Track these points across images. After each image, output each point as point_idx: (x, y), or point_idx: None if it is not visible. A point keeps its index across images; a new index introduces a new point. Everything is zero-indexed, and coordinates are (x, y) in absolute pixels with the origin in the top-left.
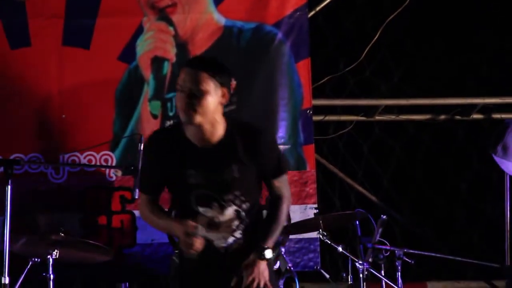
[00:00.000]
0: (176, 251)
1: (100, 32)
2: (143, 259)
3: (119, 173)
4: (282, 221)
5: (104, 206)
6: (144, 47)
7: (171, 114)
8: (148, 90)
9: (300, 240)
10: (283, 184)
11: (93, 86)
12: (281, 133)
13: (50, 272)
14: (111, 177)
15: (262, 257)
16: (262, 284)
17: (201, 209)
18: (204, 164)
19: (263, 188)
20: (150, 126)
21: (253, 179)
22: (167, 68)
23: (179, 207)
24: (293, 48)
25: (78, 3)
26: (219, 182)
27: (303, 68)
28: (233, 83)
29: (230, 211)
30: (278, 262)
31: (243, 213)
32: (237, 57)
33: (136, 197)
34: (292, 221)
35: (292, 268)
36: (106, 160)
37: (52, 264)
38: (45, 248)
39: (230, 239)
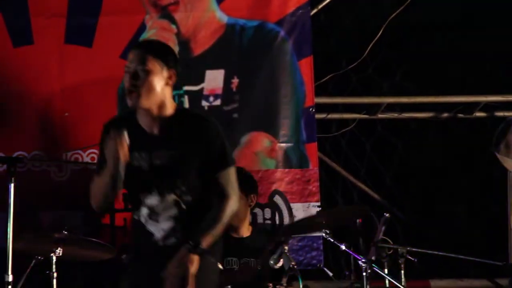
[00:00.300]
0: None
1: (103, 30)
2: None
3: None
4: (223, 222)
5: None
6: None
7: None
8: None
9: (303, 238)
10: (227, 181)
11: (96, 84)
12: (284, 131)
13: (53, 270)
14: None
15: (192, 251)
16: (186, 272)
17: (142, 196)
18: (148, 147)
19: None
20: None
21: (196, 171)
22: None
23: (128, 196)
24: (296, 46)
25: (80, 2)
26: (160, 167)
27: (306, 66)
28: (235, 81)
29: (169, 200)
30: (282, 260)
31: (183, 205)
32: (240, 55)
33: None
34: (295, 219)
35: (295, 266)
36: None
37: (55, 262)
38: (48, 246)
39: (169, 231)
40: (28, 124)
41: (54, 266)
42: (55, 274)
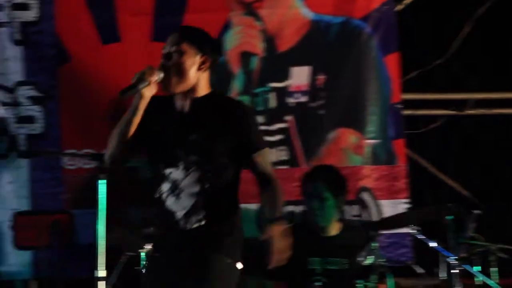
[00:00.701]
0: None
1: None
2: None
3: None
4: (282, 195)
5: None
6: (232, 43)
7: (260, 108)
8: (236, 85)
9: (392, 235)
10: (266, 160)
11: None
12: (371, 127)
13: (143, 266)
14: None
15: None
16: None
17: (167, 170)
18: (178, 123)
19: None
20: None
21: (224, 151)
22: (255, 63)
23: (152, 170)
24: (381, 42)
25: (167, 0)
26: (189, 143)
27: (392, 62)
28: (321, 77)
29: (193, 176)
30: (371, 257)
31: (206, 183)
32: (325, 51)
33: None
34: (384, 216)
35: (385, 263)
36: None
37: (144, 258)
38: (137, 242)
39: (191, 211)
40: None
41: (143, 262)
42: (143, 270)
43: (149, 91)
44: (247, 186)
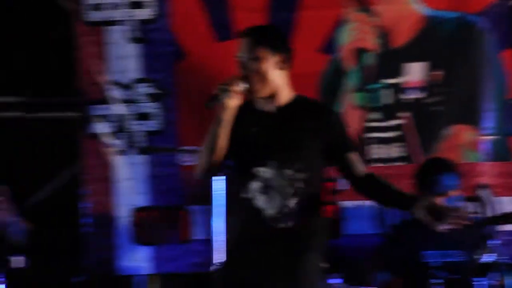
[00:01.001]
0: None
1: (301, 25)
2: (350, 250)
3: None
4: None
5: None
6: (346, 39)
7: (375, 105)
8: (351, 81)
9: (510, 232)
10: (359, 160)
11: (295, 78)
12: (487, 123)
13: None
14: None
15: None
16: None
17: (256, 169)
18: (267, 123)
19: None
20: (353, 117)
21: (315, 150)
22: (369, 59)
23: (238, 169)
24: (497, 38)
25: None
26: (279, 141)
27: (508, 58)
28: (437, 73)
29: (285, 175)
30: (491, 255)
31: (298, 183)
32: (441, 47)
33: (341, 188)
34: (502, 212)
35: (507, 261)
36: None
37: None
38: None
39: (282, 211)
40: None
41: None
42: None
43: (233, 102)
44: None
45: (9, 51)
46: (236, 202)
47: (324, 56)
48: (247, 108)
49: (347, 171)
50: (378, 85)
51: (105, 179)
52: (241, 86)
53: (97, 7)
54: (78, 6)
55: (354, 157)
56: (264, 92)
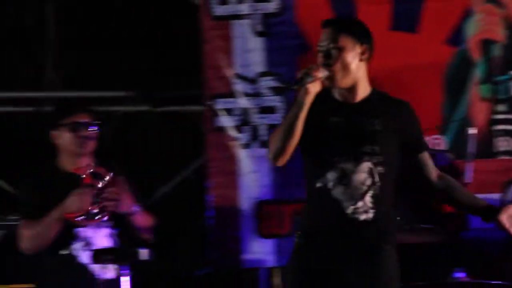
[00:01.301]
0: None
1: (428, 16)
2: (476, 244)
3: (452, 156)
4: None
5: None
6: (473, 30)
7: (502, 97)
8: (477, 73)
9: None
10: (430, 160)
11: (420, 70)
12: None
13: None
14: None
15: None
16: None
17: (335, 159)
18: (346, 113)
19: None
20: (480, 109)
21: (394, 145)
22: (497, 51)
23: (315, 158)
24: None
25: None
26: (360, 133)
27: None
28: None
29: (364, 167)
30: None
31: (376, 176)
32: None
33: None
34: None
35: None
36: (437, 144)
37: None
38: None
39: (360, 203)
40: None
41: None
42: None
43: (314, 87)
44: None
45: (137, 46)
46: (312, 191)
47: (451, 47)
48: (326, 97)
49: (420, 171)
50: (505, 77)
51: (229, 172)
52: (323, 73)
53: (223, 1)
54: (206, 1)
55: (427, 157)
56: (345, 82)
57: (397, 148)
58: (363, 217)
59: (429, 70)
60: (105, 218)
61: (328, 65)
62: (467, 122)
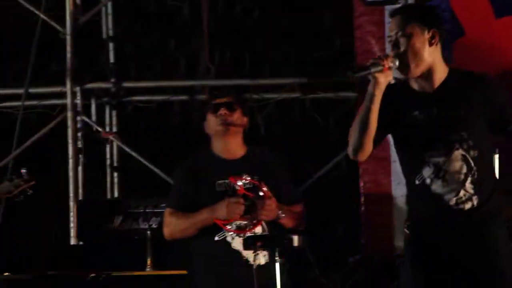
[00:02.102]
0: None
1: None
2: None
3: None
4: None
5: None
6: None
7: None
8: None
9: None
10: None
11: None
12: None
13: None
14: None
15: None
16: None
17: (426, 154)
18: (426, 105)
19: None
20: None
21: (482, 124)
22: None
23: (407, 155)
24: None
25: None
26: (445, 122)
27: None
28: None
29: (456, 155)
30: None
31: (471, 161)
32: None
33: None
34: None
35: None
36: None
37: None
38: None
39: (461, 192)
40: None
41: None
42: None
43: (384, 78)
44: None
45: (286, 34)
46: (412, 188)
47: None
48: (404, 90)
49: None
50: None
51: (382, 158)
52: (393, 63)
53: None
54: None
55: None
56: (420, 70)
57: (486, 127)
58: (468, 206)
59: None
60: (255, 229)
61: (398, 54)
62: None
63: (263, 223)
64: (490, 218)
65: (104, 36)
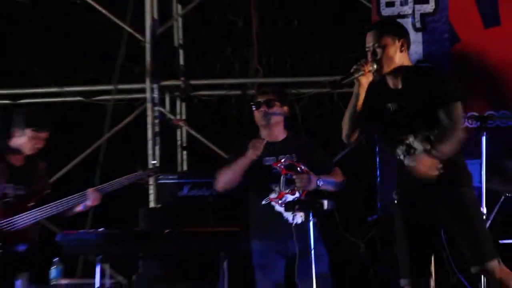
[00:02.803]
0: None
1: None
2: None
3: None
4: (453, 137)
5: None
6: None
7: None
8: None
9: None
10: (450, 114)
11: None
12: None
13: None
14: None
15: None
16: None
17: (399, 137)
18: (398, 97)
19: None
20: None
21: (433, 107)
22: None
23: (385, 137)
24: None
25: None
26: (410, 109)
27: None
28: None
29: (421, 135)
30: None
31: (432, 138)
32: None
33: None
34: None
35: None
36: None
37: None
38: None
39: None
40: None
41: None
42: None
43: (365, 79)
44: None
45: (317, 40)
46: (396, 164)
47: None
48: (381, 87)
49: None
50: None
51: None
52: (372, 67)
53: (390, 3)
54: (376, 3)
55: (441, 112)
56: (389, 69)
57: (435, 107)
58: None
59: None
60: (294, 196)
61: (376, 60)
62: None
63: (301, 191)
64: (453, 178)
65: (176, 44)
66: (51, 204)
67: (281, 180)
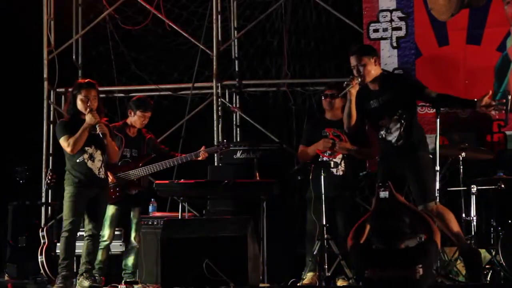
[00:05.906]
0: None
1: (486, 36)
2: None
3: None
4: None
5: None
6: (509, 44)
7: None
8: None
9: None
10: (431, 92)
11: (483, 70)
12: None
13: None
14: None
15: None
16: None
17: (381, 121)
18: (377, 96)
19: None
20: None
21: (406, 101)
22: None
23: (371, 125)
24: None
25: (477, 20)
26: (387, 104)
27: None
28: None
29: (395, 120)
30: None
31: (403, 121)
32: None
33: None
34: None
35: None
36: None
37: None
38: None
39: (398, 137)
40: (444, 88)
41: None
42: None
43: (354, 90)
44: None
45: (324, 55)
46: (379, 140)
47: (499, 53)
48: (366, 91)
49: (429, 101)
50: None
51: None
52: (357, 81)
53: (376, 30)
54: (366, 30)
55: (427, 90)
56: (369, 80)
57: (409, 102)
58: (400, 142)
59: (486, 69)
60: (337, 156)
61: (360, 75)
62: (506, 92)
63: (342, 154)
64: (413, 146)
65: (233, 56)
66: (157, 163)
67: None
